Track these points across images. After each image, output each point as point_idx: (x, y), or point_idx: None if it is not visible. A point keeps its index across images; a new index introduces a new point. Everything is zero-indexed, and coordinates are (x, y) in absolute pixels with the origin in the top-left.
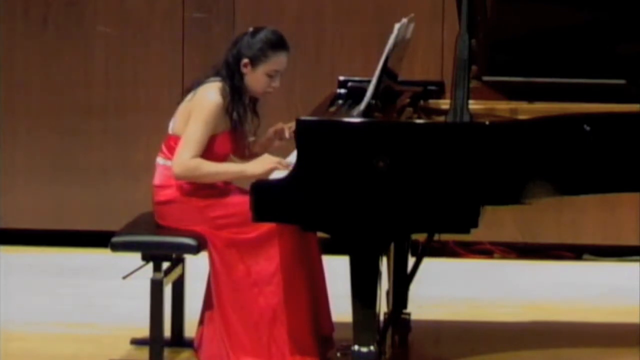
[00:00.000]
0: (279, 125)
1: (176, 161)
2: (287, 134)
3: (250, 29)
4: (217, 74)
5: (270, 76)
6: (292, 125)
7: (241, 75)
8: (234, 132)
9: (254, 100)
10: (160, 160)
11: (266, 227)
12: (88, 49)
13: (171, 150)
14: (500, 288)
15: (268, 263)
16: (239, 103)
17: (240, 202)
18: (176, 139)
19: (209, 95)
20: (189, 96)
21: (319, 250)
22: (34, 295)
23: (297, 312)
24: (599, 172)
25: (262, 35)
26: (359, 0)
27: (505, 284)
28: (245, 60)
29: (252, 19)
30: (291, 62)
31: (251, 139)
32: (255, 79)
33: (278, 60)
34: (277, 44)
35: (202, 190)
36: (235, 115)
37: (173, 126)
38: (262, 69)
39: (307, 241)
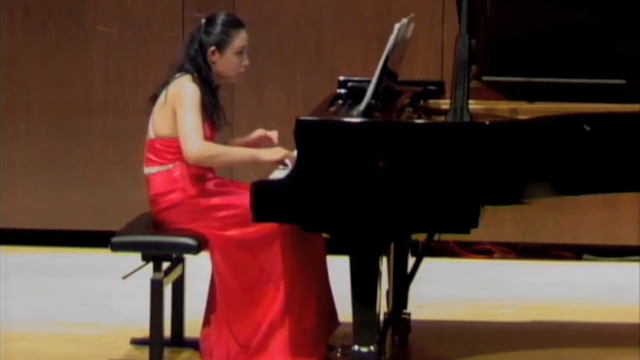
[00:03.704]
0: (264, 133)
1: (187, 146)
2: (275, 140)
3: (203, 20)
4: (179, 71)
5: (239, 54)
6: (275, 132)
7: (208, 67)
8: (210, 124)
9: (216, 91)
10: (148, 170)
11: (271, 226)
12: (88, 49)
13: (159, 154)
14: (500, 288)
15: (278, 258)
16: (210, 95)
17: (246, 203)
18: (162, 141)
19: (186, 86)
20: (161, 98)
21: (325, 248)
22: (34, 295)
23: (305, 311)
24: (599, 172)
25: (218, 20)
26: (359, 0)
27: (505, 284)
28: (212, 48)
29: (252, 19)
30: (291, 62)
31: (249, 137)
32: (227, 62)
33: (241, 37)
34: (235, 22)
35: (207, 190)
36: (209, 106)
37: (154, 130)
38: (230, 50)
39: (312, 239)
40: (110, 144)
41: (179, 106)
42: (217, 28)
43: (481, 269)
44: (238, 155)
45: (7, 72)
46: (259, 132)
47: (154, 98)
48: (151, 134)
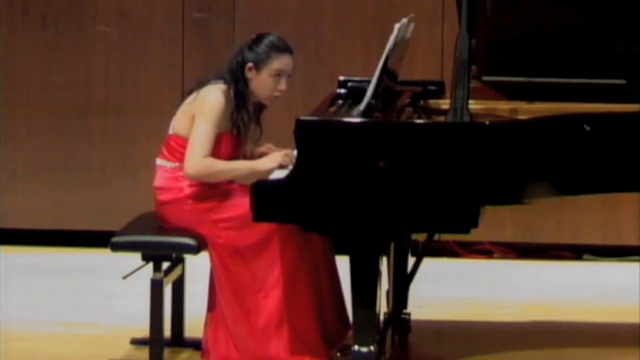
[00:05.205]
0: (271, 148)
1: (188, 162)
2: None
3: (253, 36)
4: (219, 78)
5: (275, 77)
6: (287, 151)
7: (245, 82)
8: (235, 136)
9: (260, 109)
10: (159, 161)
11: (268, 229)
12: (88, 49)
13: (171, 150)
14: (500, 288)
15: (272, 266)
16: (243, 109)
17: (243, 204)
18: (177, 139)
19: (213, 95)
20: (191, 97)
21: (325, 250)
22: (34, 295)
23: (304, 314)
24: (599, 172)
25: (265, 40)
26: (359, 0)
27: (505, 284)
28: (250, 65)
29: (252, 19)
30: None
31: (257, 149)
32: (261, 82)
33: (281, 61)
34: (280, 46)
35: (203, 192)
36: (238, 120)
37: (174, 126)
38: (267, 71)
39: (311, 241)
40: (110, 144)
41: (198, 113)
42: (261, 47)
43: (481, 269)
44: (236, 172)
45: (7, 72)
46: (267, 147)
47: (187, 93)
48: (170, 129)
